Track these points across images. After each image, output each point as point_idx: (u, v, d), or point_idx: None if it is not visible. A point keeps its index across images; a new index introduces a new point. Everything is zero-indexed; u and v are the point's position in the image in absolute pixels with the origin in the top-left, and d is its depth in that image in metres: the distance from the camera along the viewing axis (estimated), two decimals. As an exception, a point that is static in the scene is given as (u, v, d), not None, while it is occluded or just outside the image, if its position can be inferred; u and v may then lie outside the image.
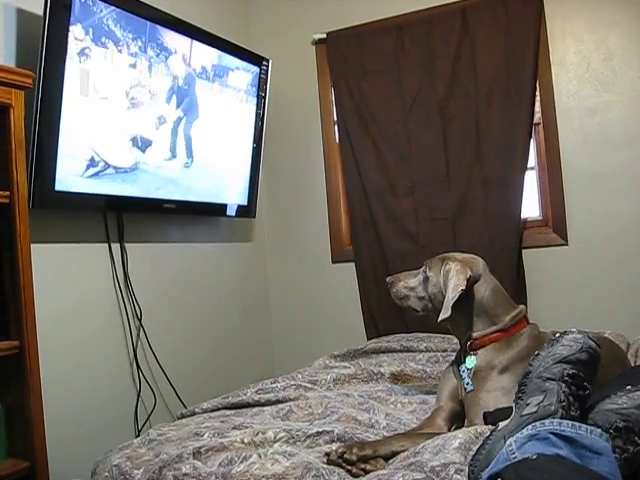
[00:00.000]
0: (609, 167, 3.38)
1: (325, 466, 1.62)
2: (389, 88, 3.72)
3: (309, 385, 2.48)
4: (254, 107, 3.63)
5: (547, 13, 3.46)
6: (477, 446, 1.49)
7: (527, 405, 1.39)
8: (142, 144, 2.89)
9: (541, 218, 3.60)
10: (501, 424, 1.45)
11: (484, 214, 3.52)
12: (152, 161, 2.95)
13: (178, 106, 3.09)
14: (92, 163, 2.65)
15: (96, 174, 2.67)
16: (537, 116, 3.51)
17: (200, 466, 1.68)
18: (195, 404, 2.42)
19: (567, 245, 3.46)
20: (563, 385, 1.38)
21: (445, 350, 2.90)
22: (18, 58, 2.50)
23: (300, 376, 2.58)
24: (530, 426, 1.31)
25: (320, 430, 1.85)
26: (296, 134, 4.06)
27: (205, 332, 3.48)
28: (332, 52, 3.88)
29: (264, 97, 3.69)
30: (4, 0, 2.47)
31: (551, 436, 1.26)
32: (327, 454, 1.70)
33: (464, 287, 1.98)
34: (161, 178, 3.03)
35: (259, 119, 3.68)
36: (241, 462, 1.67)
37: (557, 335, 1.51)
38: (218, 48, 3.32)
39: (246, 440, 1.80)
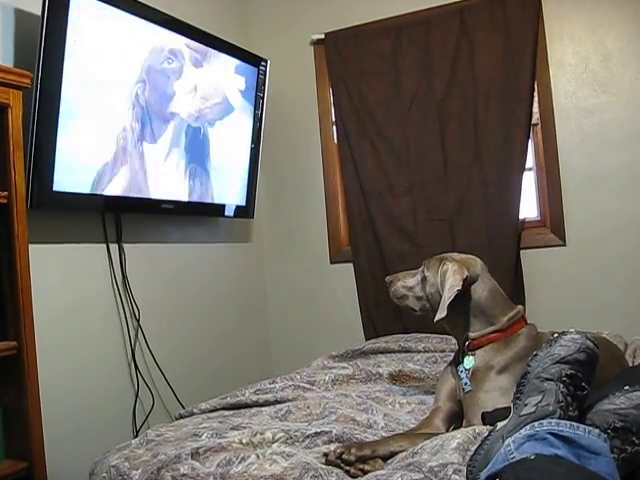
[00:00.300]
0: (607, 167, 3.38)
1: (323, 466, 1.62)
2: (387, 89, 3.73)
3: (307, 385, 2.48)
4: (252, 108, 3.63)
5: (545, 14, 3.46)
6: (475, 446, 1.49)
7: (525, 405, 1.39)
8: (141, 144, 2.89)
9: (539, 218, 3.60)
10: (499, 424, 1.45)
11: (482, 214, 3.52)
12: (151, 161, 2.95)
13: (183, 122, 3.09)
14: (91, 163, 2.65)
15: (95, 174, 2.67)
16: (535, 117, 3.51)
17: (198, 467, 1.68)
18: (193, 405, 2.42)
19: (565, 245, 3.46)
20: (561, 385, 1.38)
21: (443, 350, 2.90)
22: (16, 58, 2.49)
23: (298, 376, 2.58)
24: (528, 426, 1.31)
25: (318, 430, 1.85)
26: (294, 135, 4.06)
27: (203, 332, 3.48)
28: (330, 53, 3.88)
29: (262, 98, 3.69)
30: (2, 0, 2.47)
31: (549, 436, 1.26)
32: (325, 454, 1.70)
33: (460, 287, 1.98)
34: (160, 178, 3.02)
35: (257, 120, 3.68)
36: (239, 463, 1.67)
37: (555, 335, 1.51)
38: (216, 48, 3.31)
39: (244, 441, 1.80)
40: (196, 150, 3.24)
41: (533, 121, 3.50)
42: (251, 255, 4.05)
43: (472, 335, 2.03)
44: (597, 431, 1.29)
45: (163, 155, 3.03)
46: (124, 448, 1.90)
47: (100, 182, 2.69)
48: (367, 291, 3.80)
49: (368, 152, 3.76)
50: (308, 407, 2.15)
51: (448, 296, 1.99)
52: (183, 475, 1.65)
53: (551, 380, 1.40)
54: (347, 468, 1.64)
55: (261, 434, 1.84)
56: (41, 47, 2.37)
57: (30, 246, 2.16)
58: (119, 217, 2.96)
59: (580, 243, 3.43)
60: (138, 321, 3.02)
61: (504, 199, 3.47)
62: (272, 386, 2.45)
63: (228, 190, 3.54)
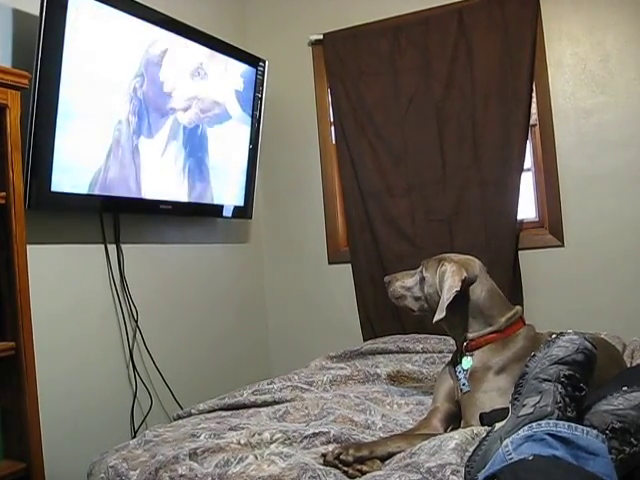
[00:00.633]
0: (605, 168, 3.39)
1: (321, 467, 1.62)
2: (385, 89, 3.73)
3: (305, 386, 2.48)
4: (250, 108, 3.63)
5: (543, 15, 3.47)
6: (473, 447, 1.49)
7: (523, 406, 1.39)
8: (139, 144, 2.89)
9: (537, 219, 3.60)
10: (497, 425, 1.45)
11: (480, 215, 3.52)
12: (147, 155, 2.95)
13: (180, 119, 3.09)
14: (89, 163, 2.65)
15: (92, 173, 2.66)
16: (533, 117, 3.52)
17: (196, 467, 1.68)
18: (191, 405, 2.42)
19: (563, 246, 3.46)
20: (559, 386, 1.38)
21: (441, 351, 2.90)
22: (14, 58, 2.49)
23: (296, 377, 2.58)
24: (526, 427, 1.31)
25: (316, 431, 1.85)
26: (292, 135, 4.06)
27: (201, 333, 3.48)
28: (329, 53, 3.88)
29: (260, 98, 3.69)
30: (0, 1, 2.47)
31: (547, 437, 1.26)
32: (323, 455, 1.70)
33: (459, 288, 1.98)
34: (157, 174, 3.02)
35: (255, 120, 3.68)
36: (237, 463, 1.67)
37: (553, 336, 1.51)
38: (214, 49, 3.31)
39: (242, 441, 1.80)
40: (194, 146, 3.24)
41: (531, 122, 3.50)
42: (249, 256, 4.05)
43: (470, 336, 2.03)
44: (595, 432, 1.29)
45: (160, 150, 3.02)
46: (122, 449, 1.90)
47: (97, 181, 2.68)
48: (365, 292, 3.80)
49: (366, 153, 3.76)
50: (306, 408, 2.15)
51: (447, 297, 1.99)
52: (181, 476, 1.65)
53: (549, 381, 1.40)
54: (345, 469, 1.64)
55: (259, 435, 1.84)
56: (39, 47, 2.37)
57: (28, 246, 2.16)
58: (117, 217, 2.95)
59: (578, 244, 3.44)
60: (136, 322, 3.02)
61: (502, 200, 3.48)
62: (270, 387, 2.45)
63: (226, 191, 3.54)
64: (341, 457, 1.65)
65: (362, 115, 3.77)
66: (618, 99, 3.38)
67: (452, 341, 2.18)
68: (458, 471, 1.46)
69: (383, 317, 3.69)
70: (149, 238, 3.20)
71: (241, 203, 3.67)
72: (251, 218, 3.82)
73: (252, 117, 3.65)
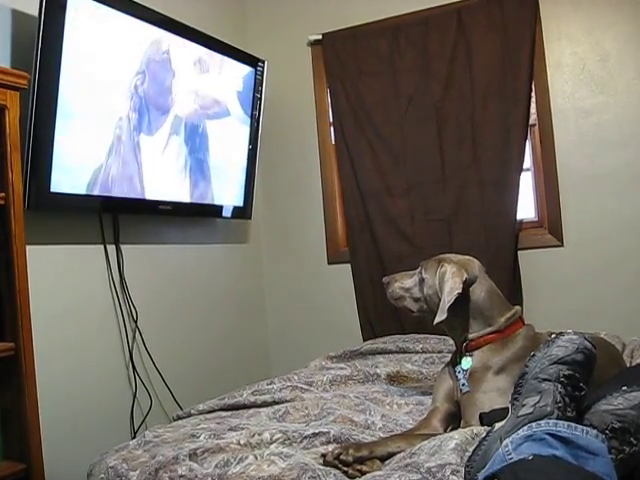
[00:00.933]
0: (604, 168, 3.39)
1: (321, 467, 1.62)
2: (385, 89, 3.73)
3: (305, 386, 2.48)
4: (250, 109, 3.63)
5: (542, 15, 3.47)
6: (473, 447, 1.49)
7: (523, 406, 1.39)
8: (140, 142, 2.88)
9: (537, 219, 3.60)
10: (497, 425, 1.45)
11: (480, 215, 3.52)
12: (148, 153, 2.95)
13: (180, 115, 3.09)
14: (88, 163, 2.65)
15: (91, 173, 2.66)
16: (533, 117, 3.52)
17: (196, 467, 1.68)
18: (191, 405, 2.42)
19: (562, 246, 3.46)
20: (559, 386, 1.38)
21: (441, 351, 2.90)
22: (13, 59, 2.49)
23: (296, 377, 2.58)
24: (526, 427, 1.31)
25: (316, 431, 1.85)
26: (292, 135, 4.06)
27: (201, 333, 3.48)
28: (328, 53, 3.88)
29: (260, 98, 3.69)
30: (-1, 1, 2.47)
31: (547, 437, 1.26)
32: (323, 455, 1.70)
33: (460, 290, 1.98)
34: (158, 173, 3.02)
35: (255, 120, 3.68)
36: (237, 463, 1.67)
37: (553, 336, 1.51)
38: (213, 49, 3.31)
39: (242, 441, 1.80)
40: (195, 146, 3.24)
41: (531, 122, 3.50)
42: (249, 256, 4.05)
43: (470, 336, 2.03)
44: (595, 432, 1.29)
45: (161, 148, 3.02)
46: (122, 449, 1.90)
47: (98, 180, 2.68)
48: (365, 292, 3.80)
49: (366, 153, 3.76)
50: (306, 408, 2.15)
51: (448, 299, 1.98)
52: (181, 476, 1.65)
53: (549, 381, 1.40)
54: (345, 469, 1.64)
55: (259, 435, 1.84)
56: (38, 48, 2.37)
57: (27, 247, 2.15)
58: (116, 218, 2.95)
59: (577, 244, 3.44)
60: (136, 322, 3.02)
61: (502, 200, 3.47)
62: (270, 387, 2.45)
63: (226, 191, 3.54)
64: (341, 457, 1.65)
65: (361, 115, 3.77)
66: (617, 99, 3.38)
67: (452, 341, 2.18)
68: (458, 471, 1.46)
69: (383, 317, 3.69)
70: (148, 238, 3.20)
71: (240, 203, 3.67)
72: (250, 218, 3.82)
73: (251, 117, 3.65)
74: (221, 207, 3.54)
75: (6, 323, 2.12)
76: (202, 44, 3.24)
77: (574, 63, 3.45)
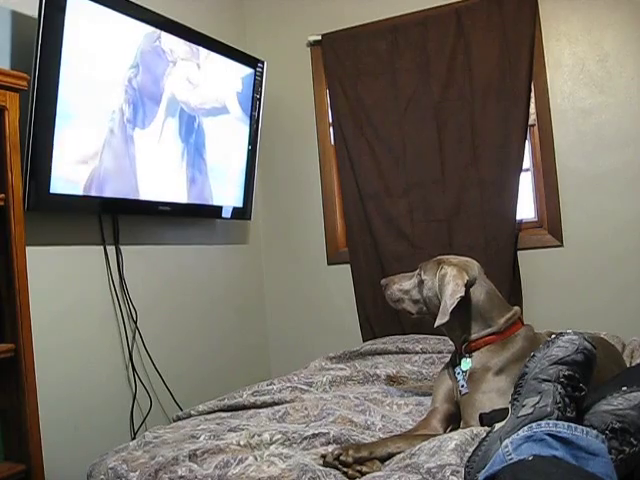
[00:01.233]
0: (604, 168, 3.39)
1: (321, 468, 1.62)
2: (384, 90, 3.73)
3: (305, 387, 2.48)
4: (249, 109, 3.63)
5: (542, 14, 3.47)
6: (473, 447, 1.49)
7: (523, 406, 1.39)
8: (137, 146, 2.88)
9: (536, 219, 3.60)
10: (497, 425, 1.45)
11: (479, 215, 3.52)
12: (148, 162, 2.95)
13: (175, 108, 3.09)
14: (87, 164, 2.65)
15: (91, 175, 2.66)
16: (532, 117, 3.52)
17: (196, 468, 1.68)
18: (191, 406, 2.42)
19: (562, 246, 3.46)
20: (559, 386, 1.38)
21: (441, 352, 2.90)
22: (13, 60, 2.49)
23: (296, 378, 2.58)
24: (526, 427, 1.31)
25: (316, 432, 1.85)
26: (291, 136, 4.06)
27: (201, 334, 3.48)
28: (327, 54, 3.88)
29: (259, 99, 3.69)
30: (-1, 2, 2.47)
31: (547, 437, 1.26)
32: (323, 456, 1.70)
33: (463, 293, 1.97)
34: (156, 179, 3.03)
35: (254, 121, 3.68)
36: (237, 464, 1.67)
37: (553, 336, 1.51)
38: (212, 50, 3.31)
39: (242, 442, 1.80)
40: (193, 146, 3.24)
41: (530, 122, 3.50)
42: (248, 257, 4.05)
43: (469, 337, 2.03)
44: (595, 432, 1.29)
45: (158, 148, 3.01)
46: (122, 450, 1.90)
47: (94, 179, 2.67)
48: (364, 292, 3.80)
49: (365, 153, 3.77)
50: (306, 409, 2.15)
51: (451, 302, 1.97)
52: (181, 477, 1.66)
53: (549, 381, 1.40)
54: (345, 469, 1.64)
55: (259, 436, 1.84)
56: (38, 49, 2.37)
57: (27, 248, 2.15)
58: (116, 219, 2.95)
59: (577, 244, 3.44)
60: (135, 323, 3.02)
61: (501, 200, 3.48)
62: (270, 388, 2.45)
63: (225, 192, 3.54)
64: (341, 458, 1.65)
65: (361, 116, 3.78)
66: (617, 99, 3.38)
67: (451, 342, 2.18)
68: (458, 472, 1.46)
69: (382, 317, 3.69)
70: (148, 239, 3.20)
71: (240, 204, 3.66)
72: (250, 219, 3.82)
73: (251, 118, 3.65)
74: (221, 208, 3.54)
75: (6, 324, 2.12)
76: (202, 45, 3.24)
77: (573, 63, 3.46)
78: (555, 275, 3.48)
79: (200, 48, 3.23)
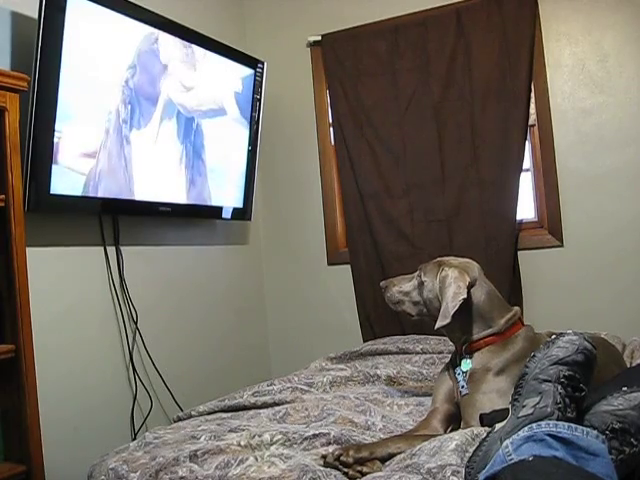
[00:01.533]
0: (604, 168, 3.39)
1: (322, 468, 1.62)
2: (384, 90, 3.73)
3: (305, 387, 2.48)
4: (249, 110, 3.63)
5: (542, 15, 3.47)
6: (474, 448, 1.49)
7: (523, 407, 1.39)
8: (137, 146, 2.89)
9: (536, 219, 3.60)
10: (497, 426, 1.45)
11: (479, 216, 3.52)
12: (147, 163, 2.95)
13: (174, 109, 3.09)
14: (87, 164, 2.65)
15: (92, 175, 2.67)
16: (532, 118, 3.52)
17: (197, 469, 1.68)
18: (191, 407, 2.42)
19: (562, 246, 3.46)
20: (559, 387, 1.38)
21: (441, 352, 2.90)
22: (13, 61, 2.49)
23: (296, 378, 2.58)
24: (526, 428, 1.31)
25: (317, 432, 1.85)
26: (291, 136, 4.06)
27: (201, 335, 3.48)
28: (327, 54, 3.88)
29: (259, 99, 3.69)
30: (-2, 3, 2.47)
31: (547, 438, 1.26)
32: (324, 456, 1.70)
33: (465, 296, 1.97)
34: (157, 180, 3.03)
35: (254, 122, 3.68)
36: (238, 465, 1.67)
37: (553, 337, 1.51)
38: (212, 50, 3.32)
39: (242, 443, 1.80)
40: (192, 147, 3.23)
41: (530, 122, 3.50)
42: (248, 257, 4.05)
43: (470, 338, 2.03)
44: (595, 432, 1.29)
45: (157, 148, 3.01)
46: (122, 451, 1.90)
47: (92, 180, 2.67)
48: (365, 293, 3.80)
49: (365, 153, 3.77)
50: (306, 409, 2.15)
51: (453, 305, 1.97)
52: (181, 478, 1.66)
53: (549, 381, 1.40)
54: (345, 470, 1.64)
55: (259, 436, 1.84)
56: (38, 50, 2.37)
57: (27, 249, 2.16)
58: (116, 220, 2.95)
59: (577, 244, 3.44)
60: (136, 323, 3.02)
61: (501, 200, 3.47)
62: (270, 388, 2.45)
63: (225, 192, 3.54)
64: (341, 458, 1.66)
65: (361, 116, 3.77)
66: (617, 99, 3.38)
67: (451, 342, 2.18)
68: (458, 472, 1.46)
69: (383, 318, 3.69)
70: (148, 240, 3.20)
71: (240, 205, 3.66)
72: (250, 220, 3.82)
73: (251, 118, 3.65)
74: (221, 208, 3.54)
75: (6, 325, 2.12)
76: (202, 45, 3.24)
77: (573, 63, 3.46)
78: (555, 275, 3.47)
79: (200, 48, 3.23)
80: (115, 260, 2.96)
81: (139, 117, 2.89)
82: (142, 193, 2.93)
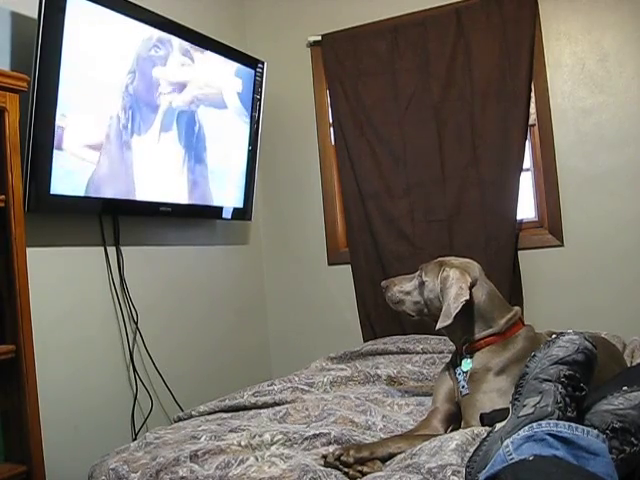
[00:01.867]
0: (604, 168, 3.39)
1: (322, 468, 1.62)
2: (384, 90, 3.73)
3: (306, 387, 2.48)
4: (249, 110, 3.63)
5: (542, 14, 3.47)
6: (474, 447, 1.49)
7: (524, 406, 1.39)
8: (135, 145, 2.89)
9: (537, 219, 3.60)
10: (498, 425, 1.45)
11: (480, 215, 3.52)
12: (148, 163, 2.95)
13: (174, 109, 3.09)
14: (86, 164, 2.65)
15: (90, 175, 2.66)
16: (532, 117, 3.52)
17: (197, 469, 1.68)
18: (192, 407, 2.42)
19: (563, 246, 3.46)
20: (559, 386, 1.38)
21: (442, 352, 2.90)
22: (13, 61, 2.49)
23: (297, 378, 2.58)
24: (527, 427, 1.31)
25: (317, 432, 1.85)
26: (292, 136, 4.06)
27: (202, 335, 3.48)
28: (327, 54, 3.88)
29: (259, 100, 3.69)
30: (-2, 4, 2.47)
31: (548, 437, 1.26)
32: (324, 456, 1.70)
33: (467, 297, 1.97)
34: (157, 181, 3.03)
35: (254, 122, 3.68)
36: (238, 465, 1.67)
37: (553, 336, 1.51)
38: (212, 50, 3.32)
39: (243, 443, 1.80)
40: (192, 147, 3.23)
41: (530, 122, 3.50)
42: (249, 257, 4.05)
43: (470, 338, 2.03)
44: (596, 432, 1.29)
45: (156, 148, 3.01)
46: (123, 451, 1.90)
47: (94, 181, 2.67)
48: (365, 293, 3.80)
49: (365, 154, 3.77)
50: (307, 409, 2.15)
51: (455, 306, 1.97)
52: (182, 478, 1.66)
53: (549, 381, 1.40)
54: (346, 470, 1.64)
55: (260, 436, 1.84)
56: (38, 50, 2.37)
57: (28, 249, 2.16)
58: (117, 220, 2.95)
59: (578, 243, 3.44)
60: (136, 324, 3.02)
61: (501, 200, 3.47)
62: (270, 388, 2.45)
63: (226, 192, 3.54)
64: (342, 458, 1.66)
65: (361, 116, 3.77)
66: (617, 98, 3.38)
67: (452, 342, 2.17)
68: (459, 472, 1.46)
69: (383, 318, 3.69)
70: (149, 240, 3.20)
71: (240, 205, 3.66)
72: (251, 220, 3.82)
73: (251, 118, 3.65)
74: (221, 208, 3.54)
75: (6, 325, 2.12)
76: (202, 46, 3.24)
77: (573, 63, 3.46)
78: (555, 275, 3.47)
79: (200, 49, 3.23)
80: (115, 260, 2.96)
81: (139, 117, 2.89)
82: (143, 193, 2.94)
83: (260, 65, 3.68)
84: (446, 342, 2.91)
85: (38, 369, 2.15)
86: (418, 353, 2.95)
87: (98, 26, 2.64)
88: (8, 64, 2.47)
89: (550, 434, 1.26)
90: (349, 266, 3.87)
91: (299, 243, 4.06)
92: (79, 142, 2.60)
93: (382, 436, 1.93)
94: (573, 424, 1.29)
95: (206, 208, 3.43)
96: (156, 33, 2.95)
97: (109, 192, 2.76)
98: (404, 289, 2.18)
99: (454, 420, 2.00)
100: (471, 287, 2.02)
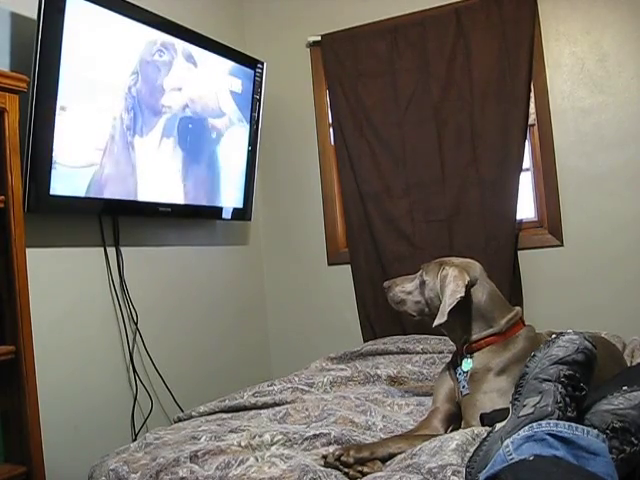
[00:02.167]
0: (604, 168, 3.39)
1: (322, 469, 1.62)
2: (384, 90, 3.72)
3: (306, 388, 2.48)
4: (249, 110, 3.63)
5: (541, 14, 3.47)
6: (474, 447, 1.49)
7: (524, 406, 1.39)
8: (137, 147, 2.88)
9: (536, 219, 3.60)
10: (498, 425, 1.45)
11: (480, 215, 3.52)
12: (148, 164, 2.95)
13: (174, 110, 3.09)
14: (86, 165, 2.65)
15: (91, 177, 2.66)
16: (532, 117, 3.52)
17: (197, 470, 1.68)
18: (192, 407, 2.42)
19: (562, 246, 3.46)
20: (559, 386, 1.38)
21: (442, 352, 2.90)
22: (12, 62, 2.49)
23: (297, 379, 2.58)
24: (527, 427, 1.31)
25: (317, 433, 1.85)
26: (291, 137, 4.06)
27: (201, 335, 3.48)
28: (327, 54, 3.88)
29: (259, 100, 3.69)
30: (-2, 4, 2.47)
31: (548, 437, 1.26)
32: (324, 457, 1.70)
33: (463, 294, 1.98)
34: (157, 181, 3.03)
35: (254, 122, 3.68)
36: (238, 465, 1.67)
37: (553, 336, 1.51)
38: (212, 51, 3.31)
39: (243, 443, 1.80)
40: (192, 148, 3.23)
41: (530, 122, 3.50)
42: (249, 258, 4.05)
43: (471, 338, 2.03)
44: (596, 432, 1.29)
45: (156, 149, 3.01)
46: (123, 452, 1.90)
47: (95, 182, 2.67)
48: (365, 293, 3.80)
49: (365, 154, 3.76)
50: (307, 409, 2.15)
51: (449, 302, 1.98)
52: (182, 478, 1.66)
53: (549, 381, 1.40)
54: (346, 470, 1.64)
55: (260, 437, 1.84)
56: (37, 51, 2.37)
57: (27, 250, 2.15)
58: (116, 220, 2.95)
59: (578, 243, 3.44)
60: (136, 324, 3.02)
61: (501, 200, 3.47)
62: (270, 388, 2.45)
63: (226, 193, 3.54)
64: (342, 458, 1.66)
65: (361, 116, 3.77)
66: (616, 98, 3.38)
67: (452, 342, 2.18)
68: (459, 472, 1.46)
69: (383, 318, 3.69)
70: (148, 241, 3.20)
71: (240, 205, 3.66)
72: (250, 220, 3.82)
73: (251, 119, 3.65)
74: (221, 209, 3.54)
75: (6, 326, 2.12)
76: (201, 46, 3.24)
77: (573, 63, 3.46)
78: (555, 275, 3.47)
79: (199, 49, 3.23)
80: (115, 261, 2.96)
81: (142, 118, 2.89)
82: (142, 194, 2.94)
83: (260, 65, 3.68)
84: (446, 342, 2.91)
85: (38, 370, 2.15)
86: (418, 353, 2.95)
87: (98, 26, 2.64)
88: (8, 64, 2.47)
89: (550, 434, 1.26)
90: (349, 266, 3.87)
91: (299, 243, 4.06)
92: (79, 143, 2.60)
93: (382, 436, 1.94)
94: (573, 424, 1.29)
95: (206, 208, 3.42)
96: (159, 36, 2.95)
97: (111, 193, 2.76)
98: (406, 289, 2.18)
99: (454, 420, 2.01)
100: (471, 286, 2.02)
